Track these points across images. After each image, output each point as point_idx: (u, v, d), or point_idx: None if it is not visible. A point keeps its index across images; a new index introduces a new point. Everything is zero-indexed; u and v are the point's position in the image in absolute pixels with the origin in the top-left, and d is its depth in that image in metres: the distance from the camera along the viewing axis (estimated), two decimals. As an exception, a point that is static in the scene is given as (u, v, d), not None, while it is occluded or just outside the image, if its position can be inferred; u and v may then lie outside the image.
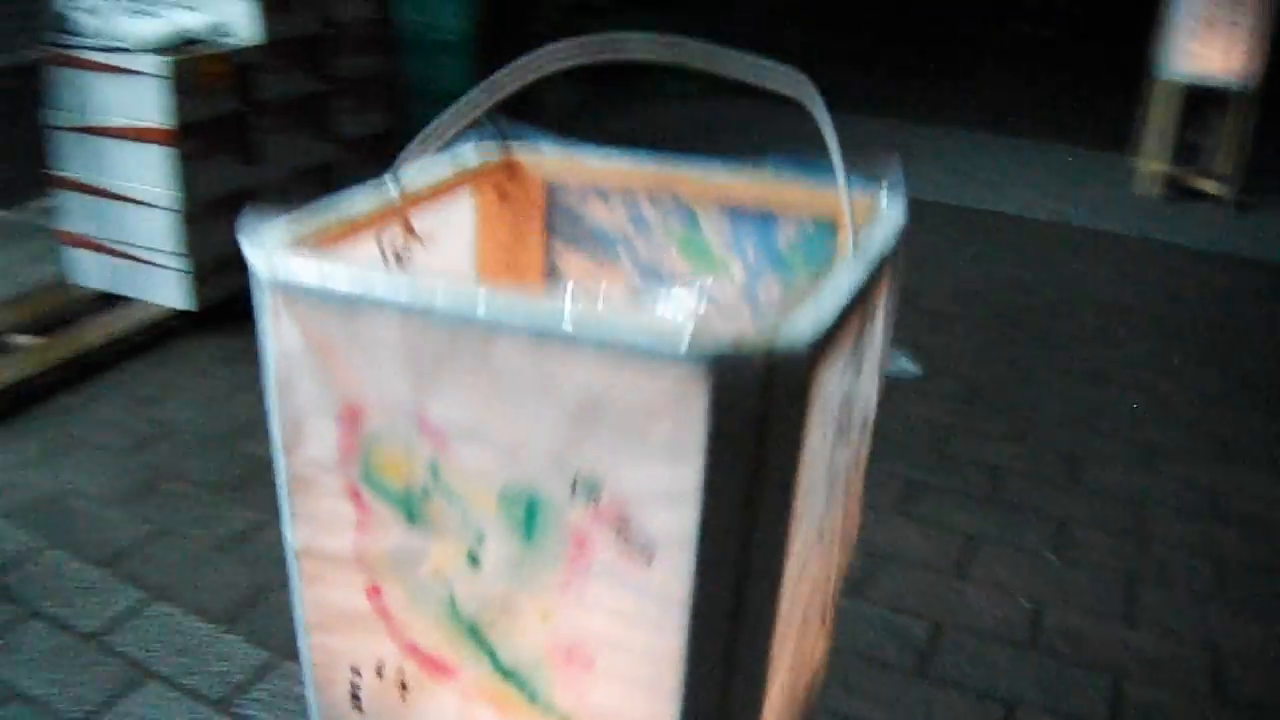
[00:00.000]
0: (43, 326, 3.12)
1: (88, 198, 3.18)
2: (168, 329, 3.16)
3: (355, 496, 0.99)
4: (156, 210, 3.05)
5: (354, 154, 3.52)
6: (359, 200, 1.10)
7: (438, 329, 0.86)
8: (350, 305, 0.90)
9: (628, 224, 1.28)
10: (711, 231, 1.24)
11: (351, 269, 0.90)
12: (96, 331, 3.07)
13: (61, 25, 3.04)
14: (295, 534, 1.03)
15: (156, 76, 2.90)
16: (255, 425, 2.21)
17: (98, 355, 3.02)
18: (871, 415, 1.14)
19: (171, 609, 2.14)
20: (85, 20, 3.00)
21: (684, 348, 0.78)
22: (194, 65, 2.95)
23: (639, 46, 0.99)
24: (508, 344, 0.84)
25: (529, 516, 0.91)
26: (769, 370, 0.79)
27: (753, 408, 0.79)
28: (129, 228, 3.13)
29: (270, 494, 1.06)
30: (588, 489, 0.87)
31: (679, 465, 0.82)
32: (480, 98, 1.06)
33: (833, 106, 0.96)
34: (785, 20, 7.67)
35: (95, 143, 3.09)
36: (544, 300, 0.82)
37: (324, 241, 1.04)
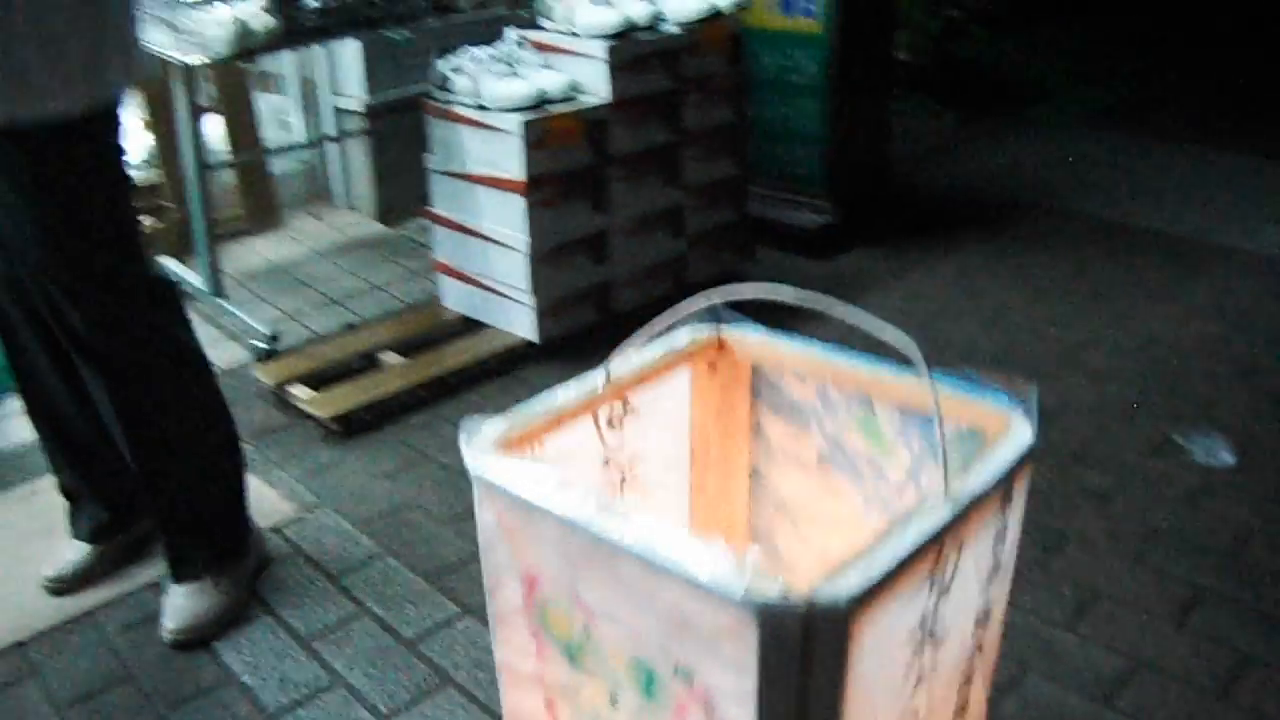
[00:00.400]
0: (410, 346, 3.67)
1: (455, 233, 3.71)
2: (517, 357, 3.63)
3: (536, 636, 1.32)
4: (511, 251, 3.52)
5: (700, 199, 3.87)
6: (573, 390, 1.42)
7: (580, 537, 1.17)
8: (524, 505, 1.22)
9: (817, 400, 1.53)
10: (885, 418, 1.48)
11: (526, 476, 1.23)
12: (455, 356, 3.59)
13: (440, 82, 3.56)
14: (498, 651, 1.37)
15: (514, 134, 3.35)
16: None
17: (454, 378, 3.53)
18: (993, 609, 1.34)
19: (479, 626, 2.54)
20: (459, 80, 3.50)
21: (739, 594, 1.04)
22: (547, 124, 3.38)
23: (789, 294, 1.25)
24: (626, 558, 1.13)
25: (647, 681, 1.21)
26: (809, 620, 1.04)
27: (795, 647, 1.05)
28: (488, 263, 3.63)
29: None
30: (684, 674, 1.15)
31: (742, 675, 1.09)
32: (670, 318, 1.35)
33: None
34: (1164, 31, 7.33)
35: (463, 186, 3.61)
36: (649, 533, 1.10)
37: (538, 432, 1.36)
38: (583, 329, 3.70)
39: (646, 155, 3.70)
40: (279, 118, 4.83)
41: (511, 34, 3.63)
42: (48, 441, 2.64)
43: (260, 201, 4.66)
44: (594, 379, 1.47)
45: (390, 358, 3.61)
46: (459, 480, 3.06)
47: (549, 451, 1.46)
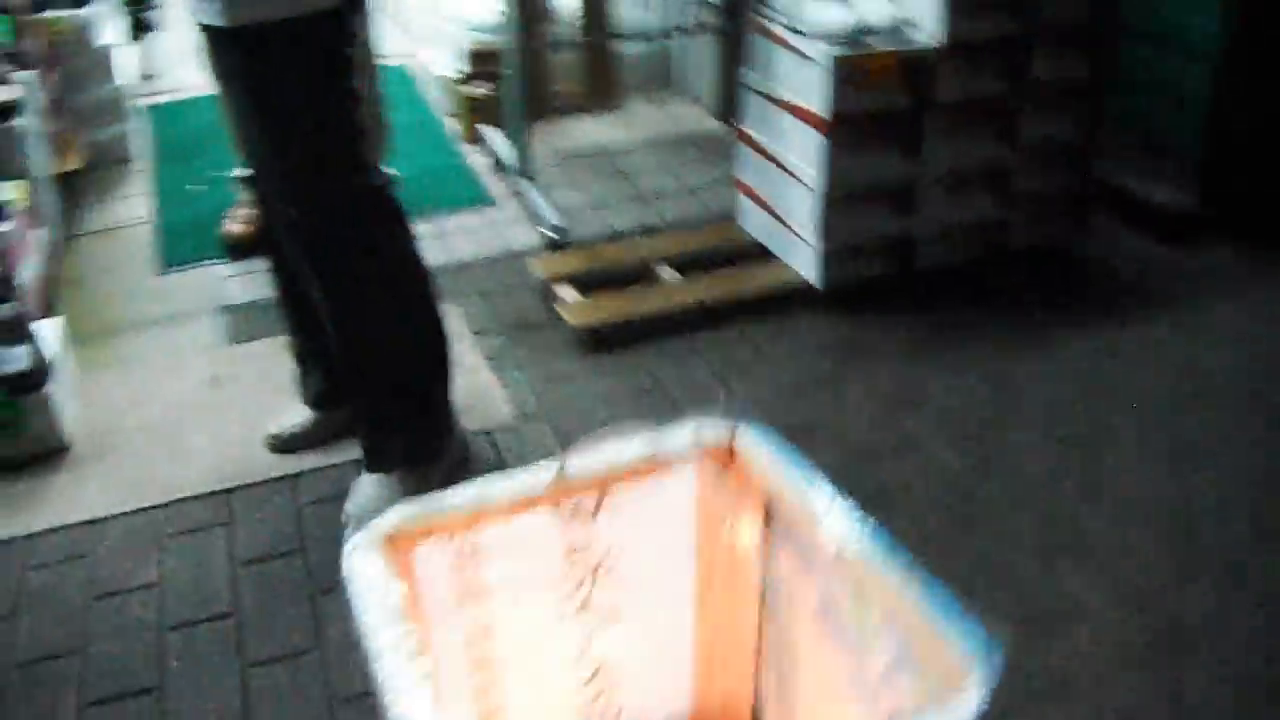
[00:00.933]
0: (693, 262, 3.50)
1: (759, 157, 3.47)
2: (796, 299, 3.39)
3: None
4: (805, 187, 3.24)
5: (1034, 159, 3.39)
6: (529, 477, 1.23)
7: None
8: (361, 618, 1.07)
9: (821, 548, 1.26)
10: (875, 604, 1.19)
11: (373, 589, 1.06)
12: (731, 284, 3.41)
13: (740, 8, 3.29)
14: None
15: (823, 66, 3.04)
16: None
17: (723, 308, 3.34)
18: None
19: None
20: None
21: None
22: (861, 59, 3.05)
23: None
24: None
25: None
26: None
27: None
28: (783, 194, 3.39)
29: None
30: None
31: None
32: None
33: None
34: None
35: (771, 110, 3.36)
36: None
37: (471, 519, 1.19)
38: (875, 280, 3.40)
39: (976, 105, 3.27)
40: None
41: (849, -47, 3.27)
42: (283, 305, 2.71)
43: (602, 81, 4.55)
44: (551, 468, 1.27)
45: (667, 273, 3.46)
46: (668, 416, 2.89)
47: (488, 539, 1.30)
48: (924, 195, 3.32)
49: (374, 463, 2.63)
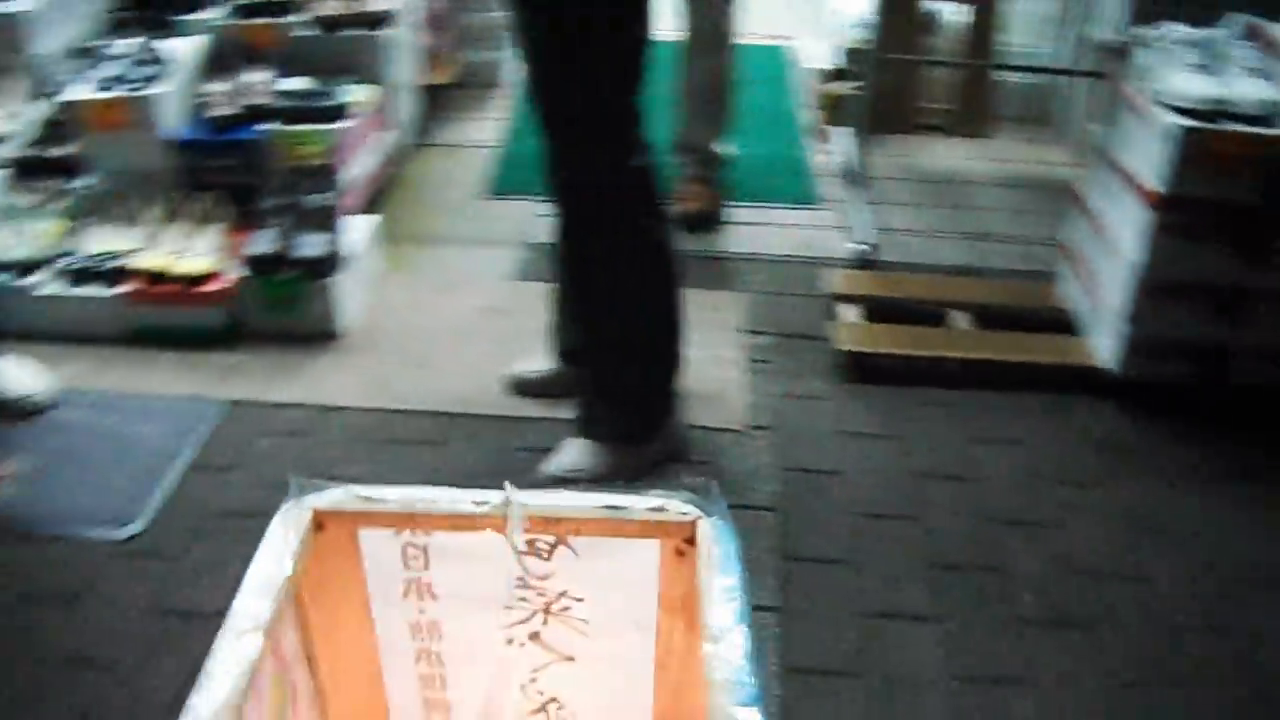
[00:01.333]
0: (991, 316, 3.24)
1: (1086, 221, 3.17)
2: (1085, 383, 3.06)
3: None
4: (1123, 264, 2.92)
5: None
6: (486, 498, 1.18)
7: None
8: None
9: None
10: None
11: (264, 560, 1.05)
12: (1020, 349, 3.13)
13: (1125, 54, 2.96)
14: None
15: (1167, 138, 2.71)
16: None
17: (1001, 372, 3.07)
18: None
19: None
20: (1142, 55, 2.87)
21: None
22: (1209, 137, 2.68)
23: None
24: None
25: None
26: None
27: None
28: (1100, 267, 3.07)
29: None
30: None
31: None
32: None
33: None
34: None
35: (1108, 174, 3.04)
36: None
37: (417, 520, 1.16)
38: (1178, 384, 3.00)
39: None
40: (1036, 26, 4.31)
41: (1236, 20, 2.87)
42: (552, 255, 2.74)
43: (974, 106, 4.27)
44: (497, 496, 1.20)
45: (961, 320, 3.22)
46: (903, 480, 2.70)
47: (437, 542, 1.24)
48: (1258, 305, 2.89)
49: (583, 428, 2.63)
